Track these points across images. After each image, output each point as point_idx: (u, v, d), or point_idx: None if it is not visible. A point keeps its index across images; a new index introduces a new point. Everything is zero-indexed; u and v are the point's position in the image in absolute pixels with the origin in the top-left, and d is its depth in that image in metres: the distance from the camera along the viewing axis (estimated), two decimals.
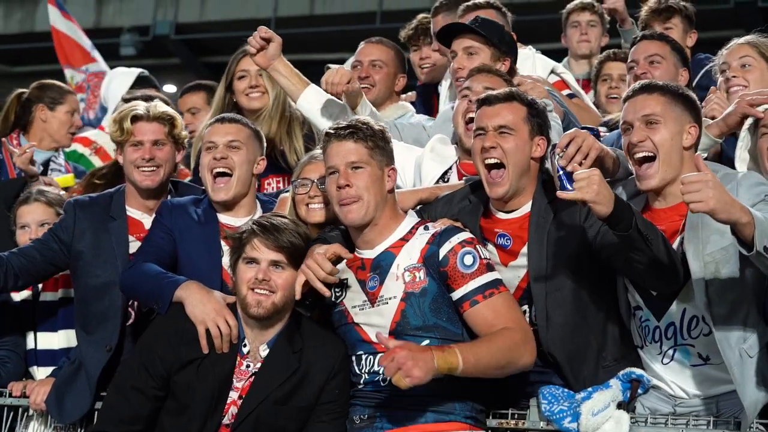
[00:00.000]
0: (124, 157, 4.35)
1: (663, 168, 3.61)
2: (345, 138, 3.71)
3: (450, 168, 4.35)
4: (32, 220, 4.64)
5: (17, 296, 4.62)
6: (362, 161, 3.70)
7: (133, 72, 6.52)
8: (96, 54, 7.80)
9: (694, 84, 5.03)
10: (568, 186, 3.46)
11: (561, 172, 3.52)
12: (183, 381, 3.72)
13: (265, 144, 4.36)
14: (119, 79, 6.53)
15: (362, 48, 5.35)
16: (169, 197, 4.38)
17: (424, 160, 4.40)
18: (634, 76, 4.61)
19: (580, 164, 3.49)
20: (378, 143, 3.74)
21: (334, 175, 3.71)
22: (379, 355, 3.64)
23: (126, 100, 5.07)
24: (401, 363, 3.34)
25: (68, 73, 7.80)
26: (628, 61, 4.78)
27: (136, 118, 4.31)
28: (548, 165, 3.79)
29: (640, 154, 3.65)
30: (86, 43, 7.84)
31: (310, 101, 4.42)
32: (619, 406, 3.60)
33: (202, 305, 3.76)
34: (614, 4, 6.09)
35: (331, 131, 3.76)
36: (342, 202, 3.68)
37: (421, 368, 3.34)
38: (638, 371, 3.67)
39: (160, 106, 4.39)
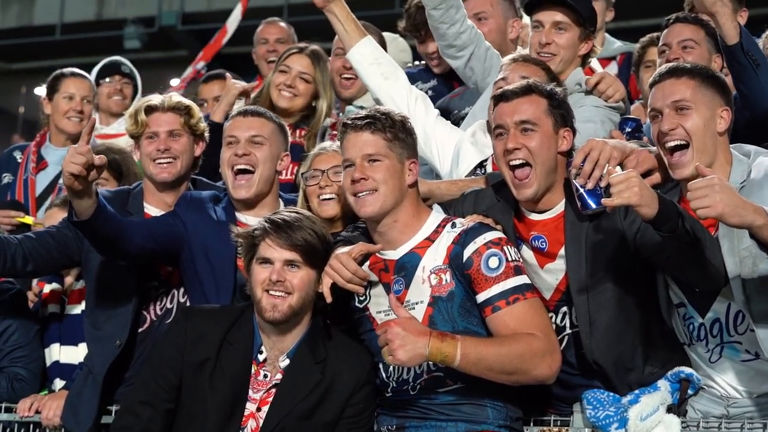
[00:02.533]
0: (141, 151, 4.24)
1: (697, 156, 3.47)
2: (362, 129, 3.55)
3: (487, 159, 4.17)
4: None
5: (48, 308, 4.54)
6: (380, 153, 3.53)
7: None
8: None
9: None
10: (592, 204, 3.35)
11: (582, 190, 3.38)
12: (194, 388, 3.59)
13: (289, 138, 4.22)
14: None
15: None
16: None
17: (464, 144, 4.24)
18: (666, 60, 4.42)
19: (601, 177, 3.33)
20: (398, 134, 3.56)
21: (351, 168, 3.55)
22: None
23: None
24: (389, 339, 3.27)
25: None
26: (660, 44, 4.60)
27: (150, 110, 4.20)
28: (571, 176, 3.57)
29: (672, 143, 3.52)
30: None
31: (364, 54, 4.34)
32: (669, 409, 3.49)
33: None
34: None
35: (348, 122, 3.61)
36: (357, 194, 3.53)
37: (407, 352, 3.27)
38: (687, 370, 3.56)
39: (175, 97, 4.28)
